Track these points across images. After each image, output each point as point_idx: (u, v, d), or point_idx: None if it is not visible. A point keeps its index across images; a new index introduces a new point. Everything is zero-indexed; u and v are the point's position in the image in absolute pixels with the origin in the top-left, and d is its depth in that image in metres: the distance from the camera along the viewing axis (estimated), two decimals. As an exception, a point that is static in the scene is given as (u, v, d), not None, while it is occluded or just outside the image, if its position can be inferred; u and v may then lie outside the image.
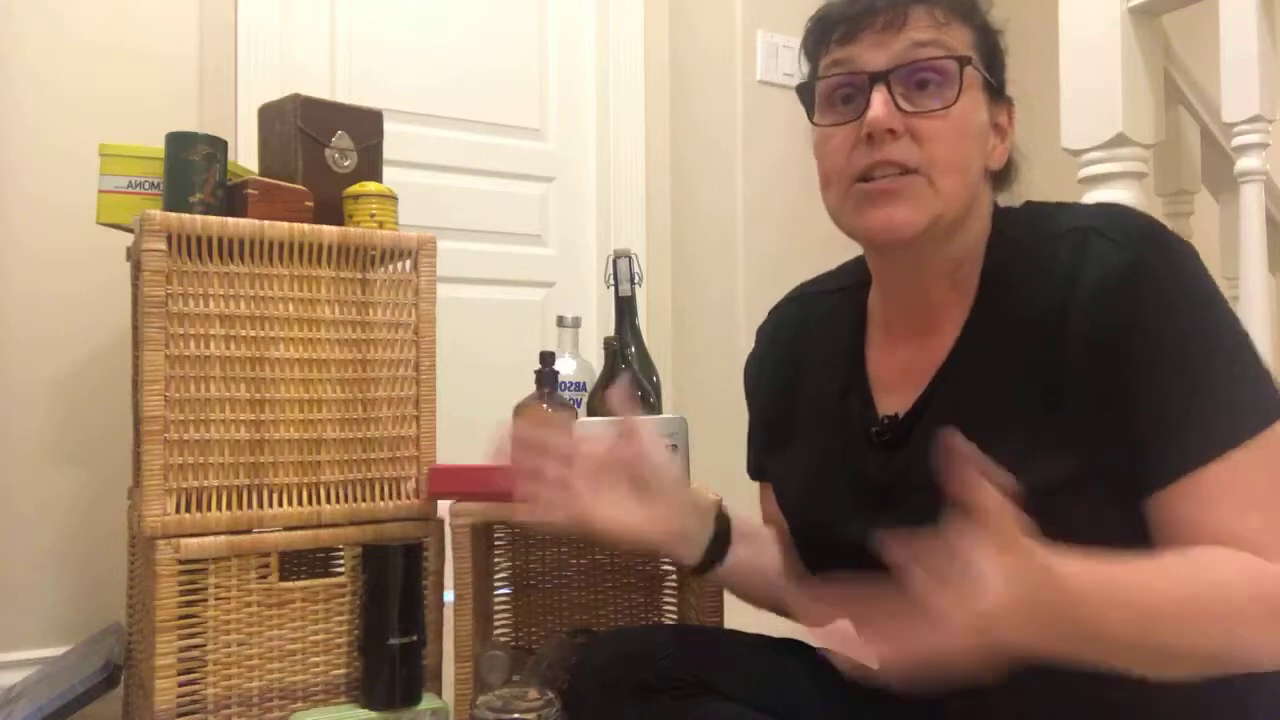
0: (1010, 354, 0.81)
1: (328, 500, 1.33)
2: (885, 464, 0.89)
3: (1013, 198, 0.92)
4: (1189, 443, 0.74)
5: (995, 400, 0.82)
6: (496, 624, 1.54)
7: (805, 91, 0.89)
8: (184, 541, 1.22)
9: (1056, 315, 0.78)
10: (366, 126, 1.46)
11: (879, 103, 0.81)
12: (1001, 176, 0.90)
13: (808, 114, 0.90)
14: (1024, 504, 0.74)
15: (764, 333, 1.10)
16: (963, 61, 0.82)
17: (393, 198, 1.40)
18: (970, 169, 0.84)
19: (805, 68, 0.91)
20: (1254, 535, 0.72)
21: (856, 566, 0.89)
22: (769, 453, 1.05)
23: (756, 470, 1.09)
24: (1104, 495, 0.76)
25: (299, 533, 1.30)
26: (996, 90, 0.87)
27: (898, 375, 0.91)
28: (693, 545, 0.98)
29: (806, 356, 1.01)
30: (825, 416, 0.96)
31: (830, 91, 0.86)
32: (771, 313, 1.10)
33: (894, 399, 0.91)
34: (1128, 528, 0.76)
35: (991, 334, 0.84)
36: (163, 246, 1.22)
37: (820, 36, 0.88)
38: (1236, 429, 0.73)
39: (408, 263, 1.39)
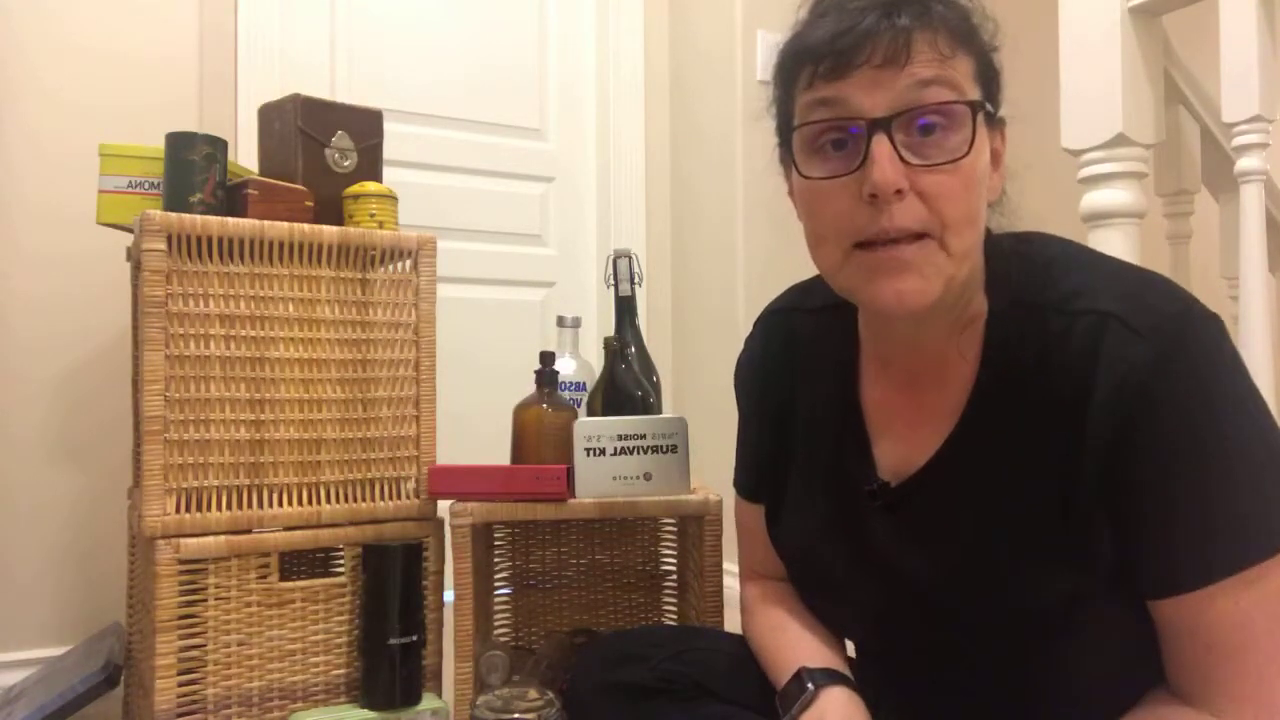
0: (1019, 446, 0.75)
1: (328, 500, 1.33)
2: (882, 524, 0.84)
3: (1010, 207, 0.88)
4: (1190, 564, 0.69)
5: (1001, 495, 0.76)
6: (496, 624, 1.54)
7: (784, 133, 0.79)
8: (184, 541, 1.22)
9: (1071, 414, 0.71)
10: (366, 126, 1.46)
11: (884, 159, 0.70)
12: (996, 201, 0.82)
13: (786, 158, 0.80)
14: (1028, 609, 0.74)
15: (754, 341, 1.02)
16: (975, 107, 0.72)
17: (393, 198, 1.40)
18: (980, 219, 0.75)
19: (775, 94, 0.80)
20: (1225, 688, 0.70)
21: (854, 613, 0.90)
22: (766, 481, 0.98)
23: (749, 491, 1.02)
24: (1109, 600, 0.73)
25: (299, 533, 1.30)
26: (995, 117, 0.78)
27: (899, 426, 0.85)
28: None
29: (799, 380, 0.94)
30: (820, 457, 0.90)
31: (817, 136, 0.75)
32: (758, 324, 1.02)
33: (892, 450, 0.85)
34: (1133, 632, 0.74)
35: (1001, 416, 0.77)
36: (163, 246, 1.22)
37: (798, 69, 0.76)
38: (1241, 555, 0.68)
39: (408, 263, 1.39)
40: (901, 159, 0.71)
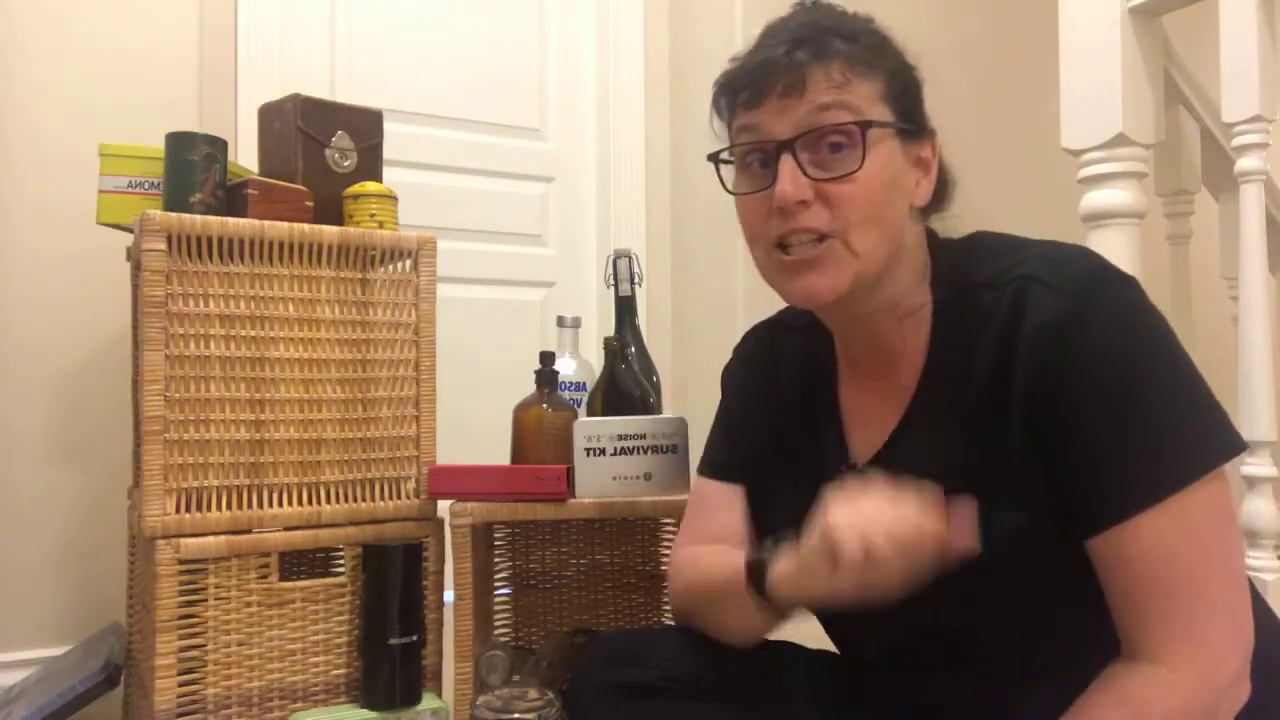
0: (963, 410, 0.82)
1: (328, 500, 1.33)
2: None
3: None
4: (1112, 496, 0.75)
5: (951, 458, 0.83)
6: (496, 624, 1.54)
7: (718, 157, 0.90)
8: (184, 541, 1.22)
9: (1001, 370, 0.79)
10: (366, 126, 1.46)
11: (786, 175, 0.81)
12: (933, 204, 0.89)
13: (720, 181, 0.90)
14: (983, 555, 0.78)
15: (743, 350, 1.09)
16: (864, 126, 0.81)
17: (393, 198, 1.40)
18: (888, 221, 0.83)
19: (718, 125, 0.91)
20: (1161, 628, 0.74)
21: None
22: (749, 471, 1.02)
23: (725, 469, 1.03)
24: (1057, 543, 0.78)
25: (299, 533, 1.30)
26: (913, 130, 0.86)
27: (867, 414, 0.92)
28: None
29: (782, 389, 1.00)
30: (805, 453, 0.96)
31: (744, 156, 0.87)
32: (746, 337, 1.09)
33: (863, 436, 0.92)
34: (1081, 573, 0.78)
35: (945, 387, 0.84)
36: (163, 246, 1.22)
37: (729, 101, 0.87)
38: (1152, 486, 0.74)
39: (408, 263, 1.39)
40: (807, 174, 0.81)
